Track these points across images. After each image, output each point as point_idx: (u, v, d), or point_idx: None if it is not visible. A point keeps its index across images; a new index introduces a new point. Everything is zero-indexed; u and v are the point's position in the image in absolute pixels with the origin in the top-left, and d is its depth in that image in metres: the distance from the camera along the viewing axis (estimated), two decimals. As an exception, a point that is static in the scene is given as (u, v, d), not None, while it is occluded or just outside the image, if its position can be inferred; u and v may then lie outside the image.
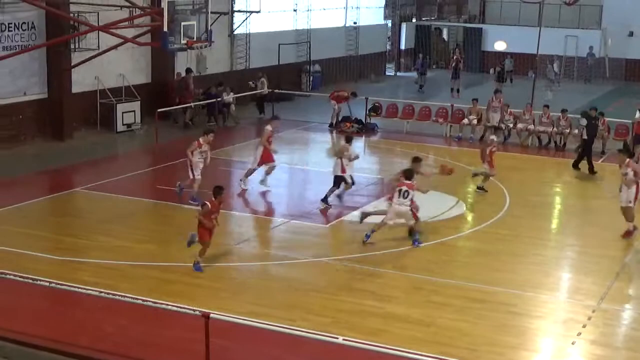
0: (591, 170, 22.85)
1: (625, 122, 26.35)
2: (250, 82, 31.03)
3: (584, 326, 12.69)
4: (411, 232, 16.32)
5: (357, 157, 19.40)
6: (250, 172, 20.19)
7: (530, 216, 18.67)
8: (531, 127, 26.74)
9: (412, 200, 16.15)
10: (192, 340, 11.07)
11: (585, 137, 23.32)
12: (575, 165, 23.24)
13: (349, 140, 19.38)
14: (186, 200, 18.41)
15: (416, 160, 17.37)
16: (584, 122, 23.69)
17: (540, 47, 31.58)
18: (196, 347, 10.75)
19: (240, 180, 20.18)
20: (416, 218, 16.48)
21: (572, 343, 12.17)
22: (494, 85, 35.88)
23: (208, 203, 14.29)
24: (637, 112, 25.10)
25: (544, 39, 31.83)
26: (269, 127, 20.17)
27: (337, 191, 19.03)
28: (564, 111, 26.39)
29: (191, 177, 18.34)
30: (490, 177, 20.30)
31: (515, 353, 11.87)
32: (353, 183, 19.28)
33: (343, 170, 18.78)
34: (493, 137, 21.74)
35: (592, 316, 13.09)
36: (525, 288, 14.20)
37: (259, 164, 20.06)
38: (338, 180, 18.87)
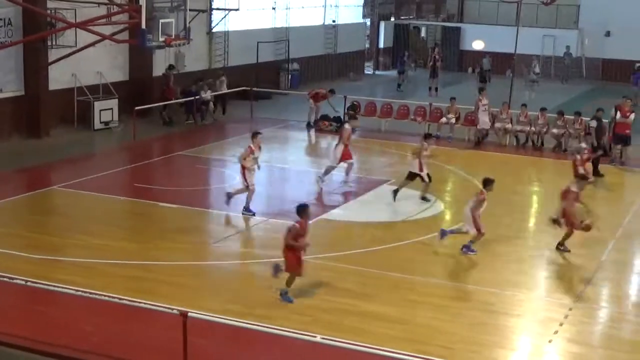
0: (597, 172, 22.57)
1: (603, 122, 26.35)
2: (210, 80, 30.90)
3: (560, 324, 12.78)
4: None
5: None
6: (329, 170, 20.28)
7: (508, 215, 18.74)
8: (509, 126, 26.87)
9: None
10: (170, 339, 11.02)
11: (594, 140, 23.09)
12: (597, 172, 22.46)
13: (427, 137, 19.80)
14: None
15: (583, 177, 17.09)
16: (594, 123, 23.65)
17: (518, 47, 31.70)
18: (174, 345, 10.70)
19: (319, 177, 20.16)
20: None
21: (549, 341, 12.26)
22: (474, 85, 35.93)
23: (297, 224, 13.15)
24: (617, 113, 24.94)
25: (522, 38, 31.96)
26: (347, 126, 20.38)
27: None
28: (543, 109, 26.51)
29: (245, 185, 17.83)
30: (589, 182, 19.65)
31: (492, 351, 11.92)
32: (430, 180, 19.33)
33: (420, 169, 19.08)
34: (583, 144, 21.53)
35: (569, 314, 13.18)
36: (502, 287, 14.27)
37: (339, 162, 20.16)
38: (412, 176, 19.24)
